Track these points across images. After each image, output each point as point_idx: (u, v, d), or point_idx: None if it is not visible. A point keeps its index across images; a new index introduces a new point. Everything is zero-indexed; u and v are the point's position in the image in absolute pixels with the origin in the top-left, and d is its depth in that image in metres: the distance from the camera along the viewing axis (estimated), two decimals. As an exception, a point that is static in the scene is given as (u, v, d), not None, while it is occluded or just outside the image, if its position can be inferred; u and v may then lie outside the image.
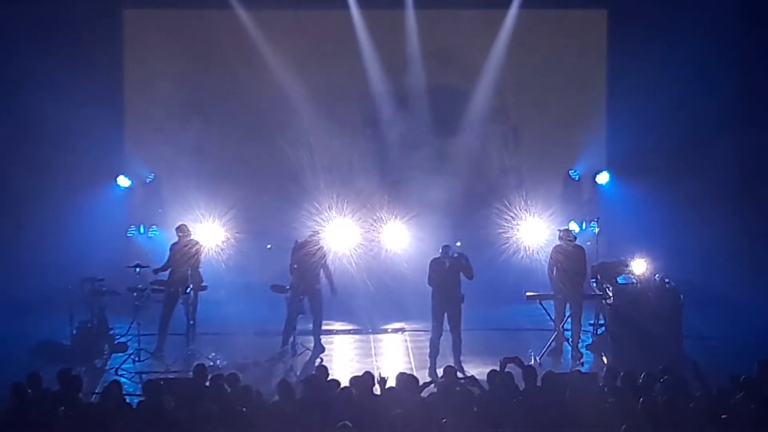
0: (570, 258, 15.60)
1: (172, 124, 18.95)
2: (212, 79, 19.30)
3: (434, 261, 15.27)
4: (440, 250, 15.24)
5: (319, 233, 16.44)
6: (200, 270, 16.05)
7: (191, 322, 15.63)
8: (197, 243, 16.24)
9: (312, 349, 15.87)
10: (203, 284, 16.10)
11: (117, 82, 18.96)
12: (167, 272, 16.06)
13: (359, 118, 19.83)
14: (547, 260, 15.99)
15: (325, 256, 16.16)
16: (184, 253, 15.99)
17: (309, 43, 19.34)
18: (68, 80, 18.42)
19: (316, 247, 16.01)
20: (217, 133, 19.54)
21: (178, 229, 16.30)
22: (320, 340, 16.08)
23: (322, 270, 16.00)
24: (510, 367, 11.62)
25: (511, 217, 18.43)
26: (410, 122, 19.85)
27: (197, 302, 15.78)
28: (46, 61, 18.44)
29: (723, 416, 9.86)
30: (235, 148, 19.71)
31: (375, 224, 19.02)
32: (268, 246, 16.35)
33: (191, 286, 15.64)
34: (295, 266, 15.71)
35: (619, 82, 18.93)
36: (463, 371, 14.21)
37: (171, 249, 16.22)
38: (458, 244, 15.11)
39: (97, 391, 13.08)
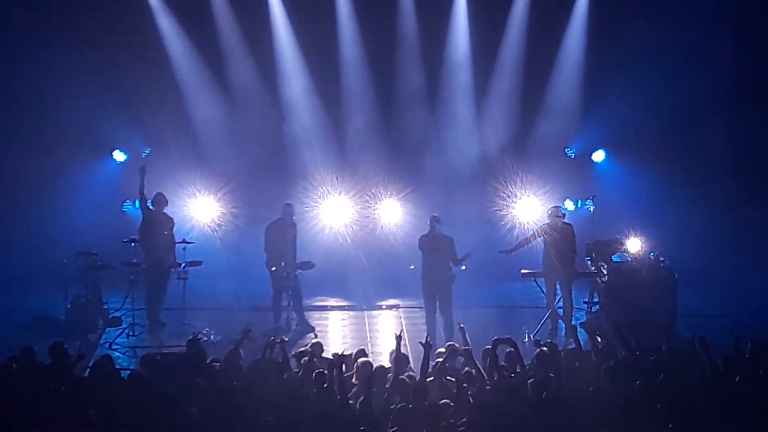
0: (559, 235, 15.56)
1: (169, 98, 18.91)
2: (207, 53, 19.25)
3: (423, 237, 15.27)
4: (428, 222, 15.22)
5: (291, 205, 16.36)
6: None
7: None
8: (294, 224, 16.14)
9: (298, 325, 15.88)
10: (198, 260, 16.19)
11: (113, 56, 18.82)
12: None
13: (355, 94, 19.74)
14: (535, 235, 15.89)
15: (296, 232, 16.14)
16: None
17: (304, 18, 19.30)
18: (63, 54, 18.37)
19: (294, 225, 16.01)
20: (213, 108, 19.49)
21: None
22: (304, 317, 16.06)
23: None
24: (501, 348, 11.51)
25: (507, 194, 18.42)
26: (406, 97, 19.80)
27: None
28: (41, 35, 18.37)
29: (718, 397, 9.84)
30: (230, 123, 19.65)
31: (370, 201, 18.99)
32: None
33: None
34: (289, 242, 15.69)
35: (614, 60, 18.85)
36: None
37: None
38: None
39: (90, 365, 13.05)
